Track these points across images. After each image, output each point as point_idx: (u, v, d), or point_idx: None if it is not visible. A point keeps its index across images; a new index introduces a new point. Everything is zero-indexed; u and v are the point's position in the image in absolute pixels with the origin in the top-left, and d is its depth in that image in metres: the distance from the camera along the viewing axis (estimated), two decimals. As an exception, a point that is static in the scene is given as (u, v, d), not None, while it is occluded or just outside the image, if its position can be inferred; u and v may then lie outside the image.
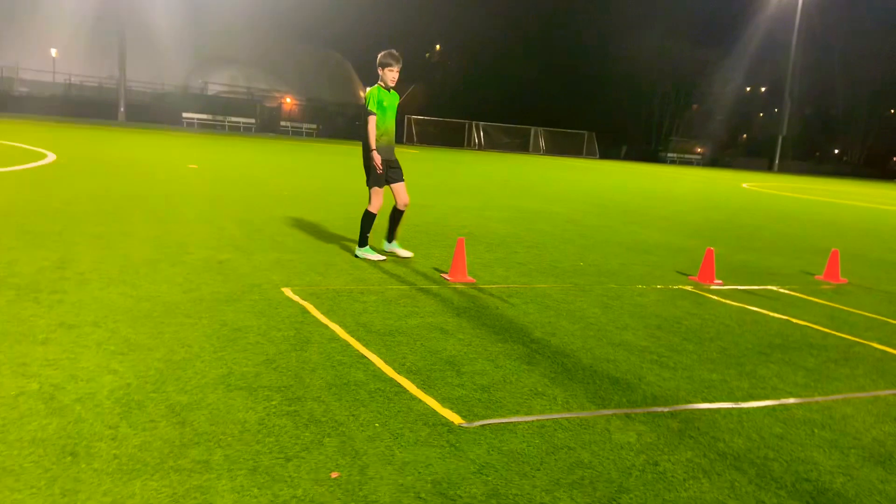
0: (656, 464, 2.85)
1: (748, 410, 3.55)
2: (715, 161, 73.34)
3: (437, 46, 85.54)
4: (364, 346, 4.01)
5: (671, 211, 14.83)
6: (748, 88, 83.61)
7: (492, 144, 62.74)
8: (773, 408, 3.62)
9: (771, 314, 5.76)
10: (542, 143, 65.23)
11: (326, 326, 4.32)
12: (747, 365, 4.33)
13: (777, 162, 69.66)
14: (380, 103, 6.43)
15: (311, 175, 17.32)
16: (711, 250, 7.11)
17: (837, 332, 5.35)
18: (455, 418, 3.11)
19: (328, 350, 3.88)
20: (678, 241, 9.93)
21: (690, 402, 3.60)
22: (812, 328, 5.40)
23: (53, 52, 49.63)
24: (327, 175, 17.83)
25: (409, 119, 60.16)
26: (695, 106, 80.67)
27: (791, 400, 3.76)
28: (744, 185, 31.11)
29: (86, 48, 52.99)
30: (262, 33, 67.25)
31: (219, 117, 51.19)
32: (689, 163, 69.48)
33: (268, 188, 12.79)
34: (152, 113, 49.91)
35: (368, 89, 6.51)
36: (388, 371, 3.63)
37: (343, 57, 77.77)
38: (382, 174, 6.59)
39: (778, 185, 33.19)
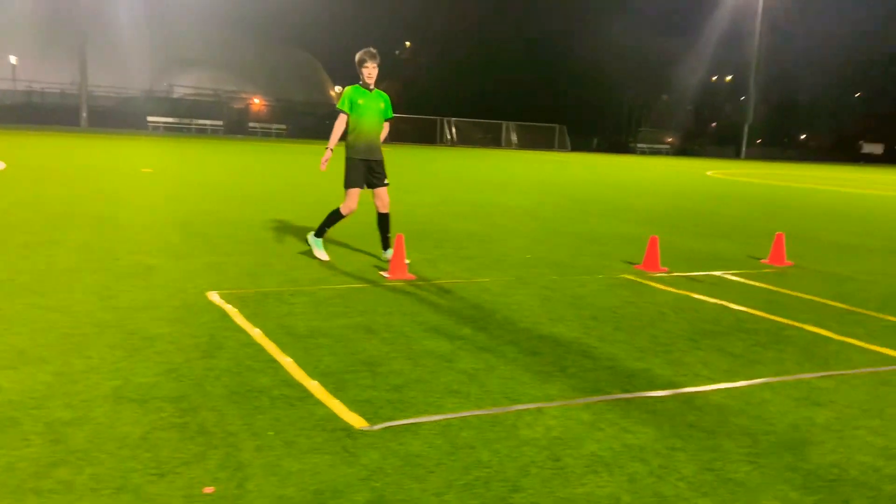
0: (557, 459, 2.78)
1: (664, 399, 3.49)
2: (684, 150, 73.96)
3: (408, 43, 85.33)
4: (280, 349, 3.89)
5: (632, 201, 14.86)
6: (714, 78, 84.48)
7: (464, 140, 62.70)
8: (691, 395, 3.57)
9: (708, 300, 5.74)
10: (513, 137, 65.32)
11: (244, 331, 4.19)
12: (675, 353, 4.28)
13: (744, 149, 70.46)
14: (353, 103, 6.29)
15: (271, 176, 17.11)
16: (655, 238, 7.09)
17: (772, 315, 5.32)
18: (358, 422, 3.00)
19: (239, 356, 3.76)
20: (633, 230, 9.90)
21: (608, 392, 3.54)
22: (747, 313, 5.38)
23: (13, 59, 48.56)
24: (288, 176, 17.62)
25: (379, 116, 59.99)
26: (665, 97, 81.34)
27: (711, 387, 3.70)
28: (708, 172, 31.37)
29: (47, 54, 51.93)
30: (229, 34, 66.45)
31: (185, 120, 50.61)
32: (658, 152, 70.04)
33: (220, 190, 12.59)
34: (116, 118, 49.20)
35: (346, 88, 6.40)
36: (299, 375, 3.52)
37: (312, 56, 77.37)
38: (358, 174, 6.39)
39: (742, 172, 33.53)
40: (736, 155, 70.04)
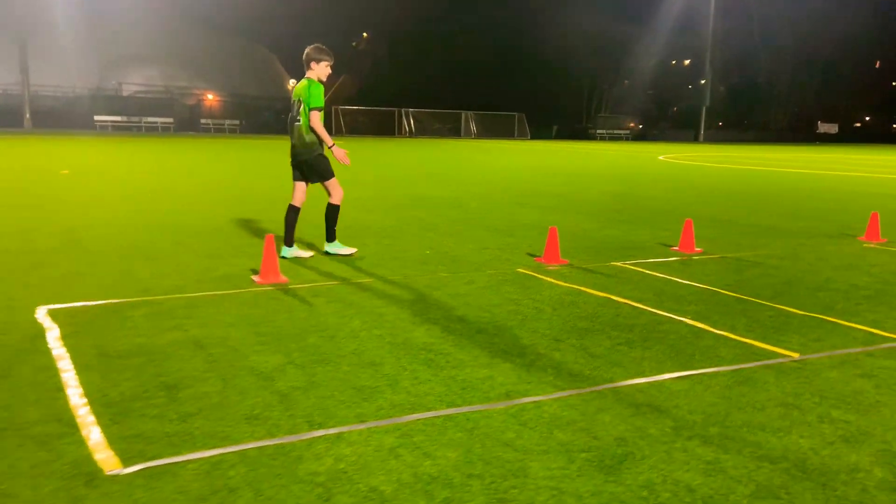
0: (327, 500, 2.42)
1: (490, 414, 3.17)
2: (643, 135, 74.32)
3: (365, 34, 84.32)
4: (77, 374, 3.49)
5: (571, 188, 14.61)
6: (673, 62, 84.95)
7: (423, 131, 62.25)
8: (521, 408, 3.24)
9: (596, 294, 5.44)
10: (473, 127, 65.01)
11: (48, 353, 3.78)
12: (530, 356, 3.96)
13: (702, 132, 71.00)
14: (323, 98, 6.34)
15: (197, 173, 16.51)
16: (554, 230, 6.79)
17: (655, 308, 5.04)
18: (110, 464, 2.61)
19: (23, 384, 3.35)
20: (555, 219, 9.61)
21: (432, 409, 3.20)
22: (630, 306, 5.09)
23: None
24: (218, 173, 17.03)
25: (336, 110, 59.13)
26: (625, 82, 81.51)
27: (549, 396, 3.38)
28: (660, 157, 31.37)
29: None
30: (180, 28, 64.99)
31: (134, 118, 49.34)
32: (618, 138, 70.25)
33: (143, 191, 12.03)
34: (62, 118, 47.82)
35: (310, 85, 6.26)
36: (76, 406, 3.12)
37: (268, 50, 76.04)
38: (330, 169, 6.50)
39: (694, 156, 33.61)
40: (695, 138, 70.59)
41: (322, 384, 3.46)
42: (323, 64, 6.33)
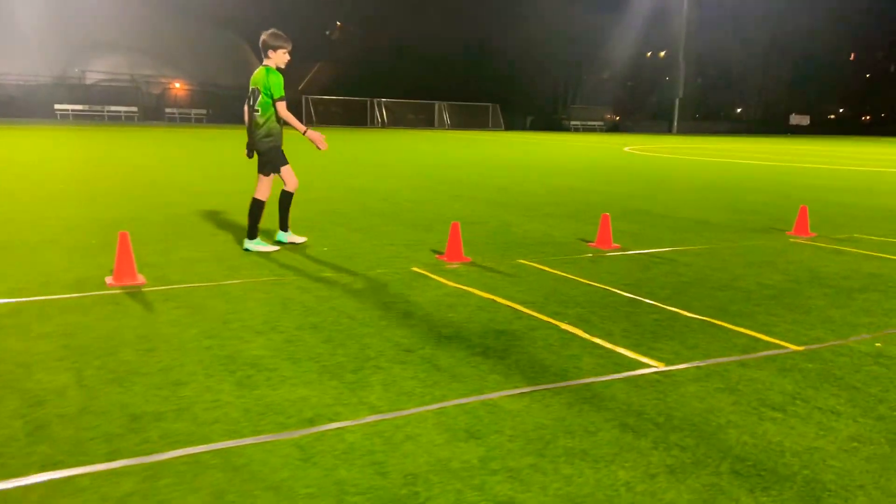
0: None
1: (275, 446, 2.74)
2: (616, 127, 74.34)
3: (339, 24, 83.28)
4: None
5: (514, 180, 14.21)
6: (649, 54, 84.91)
7: (395, 122, 61.69)
8: (318, 437, 2.82)
9: (480, 294, 5.03)
10: (446, 117, 64.52)
11: None
12: (368, 370, 3.53)
13: (675, 124, 71.14)
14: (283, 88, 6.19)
15: (122, 164, 15.87)
16: (457, 225, 6.38)
17: (537, 311, 4.63)
18: None
19: None
20: (482, 212, 9.23)
21: (207, 442, 2.77)
22: (511, 309, 4.68)
23: None
24: (147, 163, 16.40)
25: (307, 99, 58.34)
26: (606, 75, 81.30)
27: (358, 421, 2.97)
28: (626, 148, 31.13)
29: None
30: (147, 14, 63.62)
31: (96, 107, 48.28)
32: (591, 129, 70.17)
33: (36, 182, 11.45)
34: (22, 107, 46.66)
35: (268, 73, 6.11)
36: None
37: (238, 37, 74.80)
38: (280, 160, 6.38)
39: (660, 147, 33.41)
40: (668, 130, 70.68)
41: (97, 411, 3.02)
42: (280, 51, 6.13)
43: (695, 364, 3.77)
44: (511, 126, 66.54)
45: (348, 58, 76.70)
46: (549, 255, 6.64)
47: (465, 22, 69.41)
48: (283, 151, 6.42)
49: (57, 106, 46.80)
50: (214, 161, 17.45)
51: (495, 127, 65.58)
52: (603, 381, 3.49)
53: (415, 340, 4.03)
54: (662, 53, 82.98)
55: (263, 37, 6.16)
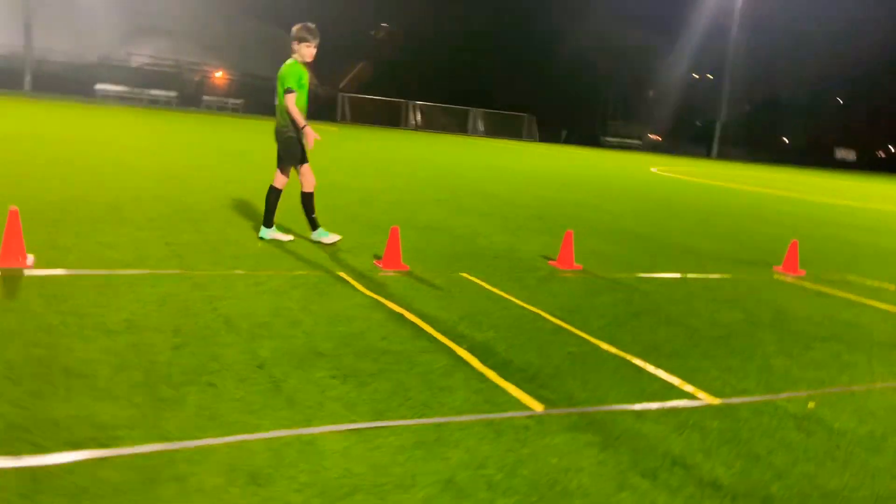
0: None
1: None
2: (655, 147, 73.03)
3: (384, 24, 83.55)
4: None
5: (511, 190, 13.61)
6: (697, 75, 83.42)
7: (429, 125, 61.33)
8: (31, 475, 2.43)
9: (391, 307, 4.57)
10: (479, 124, 64.00)
11: None
12: (182, 392, 3.11)
13: (715, 148, 69.62)
14: (299, 80, 6.11)
15: (129, 149, 15.71)
16: (396, 230, 5.93)
17: (441, 332, 4.14)
18: None
19: None
20: (459, 220, 8.74)
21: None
22: (416, 327, 4.21)
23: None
24: (158, 150, 16.21)
25: (343, 97, 58.41)
26: (651, 92, 79.98)
27: (95, 453, 2.56)
28: (653, 169, 30.31)
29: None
30: (196, 3, 64.52)
31: (136, 90, 48.83)
32: (628, 147, 68.96)
33: (48, 167, 11.29)
34: (66, 83, 47.33)
35: (287, 62, 6.12)
36: None
37: (283, 31, 75.44)
38: (299, 153, 6.30)
39: (690, 171, 32.44)
40: (707, 154, 69.20)
41: None
42: (305, 45, 6.10)
43: (580, 410, 3.26)
44: (545, 138, 65.70)
45: (390, 59, 76.96)
46: (498, 270, 6.15)
47: (507, 31, 69.05)
48: (303, 148, 6.27)
49: (98, 86, 47.39)
50: (218, 149, 17.25)
51: (529, 138, 64.84)
52: (460, 422, 3.01)
53: (279, 355, 3.59)
54: (711, 76, 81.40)
55: (293, 29, 6.13)
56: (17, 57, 48.85)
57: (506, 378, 3.57)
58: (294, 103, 6.08)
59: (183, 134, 21.84)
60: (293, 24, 6.16)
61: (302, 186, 6.44)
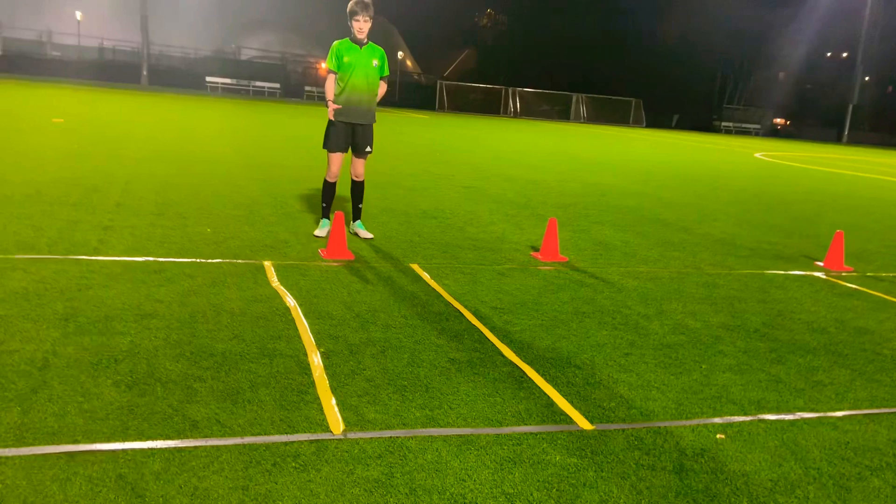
0: None
1: None
2: (777, 131, 68.29)
3: (490, 11, 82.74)
4: None
5: (561, 176, 12.71)
6: (829, 54, 77.08)
7: (528, 112, 60.17)
8: None
9: (285, 301, 4.09)
10: (583, 110, 62.08)
11: None
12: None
13: (846, 133, 64.17)
14: (339, 59, 5.75)
15: (232, 138, 16.03)
16: (340, 216, 5.42)
17: (313, 331, 3.66)
18: None
19: None
20: (466, 207, 8.12)
21: None
22: (297, 323, 3.72)
23: (78, 14, 50.17)
24: (228, 141, 16.47)
25: (441, 85, 58.35)
26: (770, 75, 74.81)
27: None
28: (757, 154, 28.02)
29: (115, 10, 53.54)
30: (306, -3, 66.46)
31: (243, 81, 50.85)
32: (746, 133, 64.83)
33: (119, 148, 11.61)
34: (179, 77, 50.04)
35: (333, 43, 5.83)
36: None
37: (388, 21, 76.30)
38: (341, 138, 5.91)
39: (806, 157, 29.76)
40: (837, 139, 63.88)
41: None
42: (352, 19, 5.71)
43: (405, 434, 2.66)
44: (654, 124, 62.90)
45: (494, 45, 76.17)
46: (461, 261, 5.53)
47: (613, 11, 66.50)
48: (342, 135, 5.87)
49: (208, 78, 49.75)
50: (277, 140, 17.36)
51: (636, 123, 62.28)
52: (218, 447, 2.49)
53: (89, 354, 3.19)
54: (846, 55, 74.97)
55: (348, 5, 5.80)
56: (135, 52, 52.15)
57: (338, 390, 3.01)
58: (331, 83, 5.79)
59: (285, 125, 22.30)
60: (396, 15, 5.86)
61: (352, 175, 6.13)
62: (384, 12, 72.69)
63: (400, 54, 64.42)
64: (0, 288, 3.92)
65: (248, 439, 2.53)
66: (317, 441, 2.56)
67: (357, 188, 6.16)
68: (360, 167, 6.08)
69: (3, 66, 45.44)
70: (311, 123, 22.26)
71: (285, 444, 2.52)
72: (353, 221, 6.27)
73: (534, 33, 69.75)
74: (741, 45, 68.14)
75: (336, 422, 2.71)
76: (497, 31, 78.77)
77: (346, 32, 5.82)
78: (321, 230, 6.06)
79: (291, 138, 16.54)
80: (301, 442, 2.54)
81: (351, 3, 5.70)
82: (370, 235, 6.24)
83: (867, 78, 70.36)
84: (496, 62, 69.58)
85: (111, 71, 48.77)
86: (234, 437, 2.53)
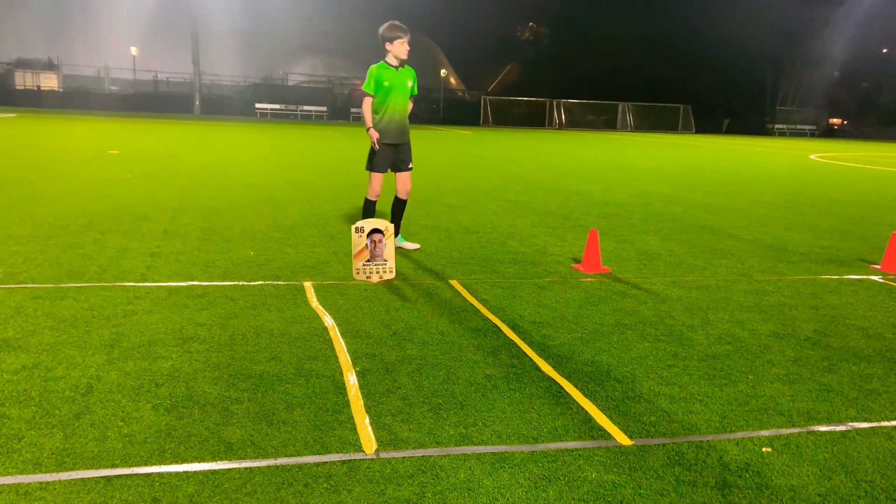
0: None
1: None
2: (833, 132, 66.15)
3: (531, 24, 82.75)
4: None
5: (606, 185, 12.54)
6: (885, 50, 74.45)
7: (574, 123, 59.78)
8: None
9: (323, 322, 4.12)
10: (630, 119, 61.34)
11: None
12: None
13: (907, 130, 61.66)
14: (379, 83, 5.85)
15: (256, 165, 16.39)
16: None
17: (350, 352, 3.67)
18: None
19: None
20: (508, 220, 8.10)
21: None
22: (335, 345, 3.75)
23: (133, 50, 52.16)
24: (270, 165, 16.81)
25: (485, 101, 58.51)
26: (824, 74, 72.62)
27: None
28: (812, 156, 27.19)
29: (168, 45, 55.47)
30: (349, 18, 67.66)
31: (290, 106, 51.94)
32: (800, 134, 63.05)
33: (177, 177, 12.00)
34: (229, 105, 51.42)
35: (374, 68, 5.92)
36: None
37: (431, 40, 77.02)
38: (384, 159, 6.05)
39: (864, 157, 28.73)
40: (900, 137, 61.50)
41: None
42: (398, 42, 5.80)
43: (438, 452, 2.64)
44: (704, 129, 61.70)
45: (536, 58, 76.00)
46: (500, 276, 5.49)
47: (658, 15, 65.68)
48: (386, 156, 6.01)
49: (257, 105, 51.00)
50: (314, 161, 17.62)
51: (685, 130, 61.20)
52: (251, 469, 2.51)
53: (131, 378, 3.27)
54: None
55: (380, 31, 5.87)
56: (188, 83, 53.84)
57: (372, 407, 3.00)
58: (368, 106, 5.87)
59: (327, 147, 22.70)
60: (438, 34, 5.96)
61: (396, 192, 6.25)
62: (428, 32, 73.64)
63: (443, 72, 64.82)
64: (50, 316, 4.06)
65: (281, 460, 2.54)
66: (349, 461, 2.55)
67: (401, 205, 6.29)
68: (408, 184, 6.22)
69: (62, 102, 47.55)
70: (352, 145, 22.58)
71: (317, 464, 2.53)
72: (395, 236, 6.32)
73: (577, 44, 69.43)
74: (791, 45, 66.41)
75: (369, 441, 2.70)
76: (540, 44, 78.63)
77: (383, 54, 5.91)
78: (409, 245, 6.36)
79: (334, 160, 16.78)
80: (333, 462, 2.54)
81: (388, 27, 5.81)
82: (416, 246, 6.40)
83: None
84: (540, 75, 69.40)
85: (165, 102, 50.49)
86: (267, 459, 2.55)
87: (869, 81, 72.10)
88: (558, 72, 67.44)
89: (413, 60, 6.04)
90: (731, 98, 65.90)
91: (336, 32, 68.12)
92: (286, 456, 2.57)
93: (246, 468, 2.49)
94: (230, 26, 57.43)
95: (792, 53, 67.98)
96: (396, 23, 5.86)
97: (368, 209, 6.20)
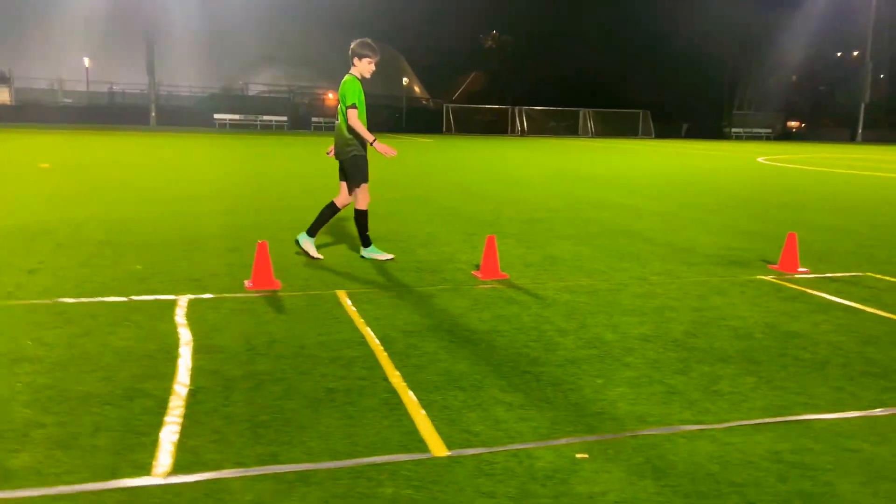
0: None
1: None
2: (788, 134, 67.46)
3: (494, 32, 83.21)
4: None
5: (547, 192, 12.56)
6: (839, 53, 76.23)
7: (537, 130, 60.13)
8: None
9: (180, 334, 3.99)
10: (591, 125, 61.90)
11: None
12: None
13: (860, 132, 63.20)
14: (360, 96, 5.99)
15: (214, 171, 16.11)
16: (264, 244, 5.33)
17: (190, 370, 3.55)
18: None
19: None
20: (423, 227, 8.02)
21: None
22: (173, 357, 3.62)
23: (86, 61, 51.31)
24: (206, 174, 16.55)
25: (447, 108, 58.58)
26: (778, 78, 74.02)
27: None
28: (760, 159, 27.61)
29: (125, 56, 54.67)
30: (308, 29, 67.35)
31: (250, 117, 51.45)
32: (757, 137, 64.14)
33: (101, 191, 11.69)
34: (187, 116, 50.71)
35: (348, 82, 5.93)
36: None
37: (394, 49, 76.98)
38: (366, 170, 6.18)
39: (813, 158, 29.24)
40: (851, 139, 62.94)
41: None
42: (366, 60, 5.97)
43: (236, 474, 2.51)
44: (663, 134, 62.44)
45: (499, 66, 76.39)
46: (394, 284, 5.40)
47: (619, 23, 66.54)
48: (367, 165, 6.16)
49: (216, 115, 50.41)
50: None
51: (645, 135, 61.94)
52: (32, 498, 2.37)
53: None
54: (856, 53, 74.00)
55: (352, 45, 6.00)
56: (144, 95, 53.05)
57: (184, 432, 2.88)
58: (357, 119, 5.89)
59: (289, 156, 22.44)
60: (400, 43, 5.90)
61: (336, 198, 6.29)
62: (391, 41, 73.60)
63: (405, 80, 64.80)
64: None
65: (59, 489, 2.40)
66: (133, 488, 2.42)
67: (366, 216, 6.36)
68: (368, 195, 6.33)
69: (14, 116, 46.48)
70: (304, 157, 22.38)
71: (97, 492, 2.39)
72: (366, 248, 6.43)
73: (539, 52, 69.92)
74: (748, 49, 67.67)
75: (166, 465, 2.58)
76: (503, 53, 79.05)
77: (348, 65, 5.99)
78: (382, 255, 6.35)
79: (284, 170, 16.58)
80: (115, 490, 2.40)
81: (360, 44, 5.95)
82: (391, 256, 6.40)
83: (882, 76, 69.42)
84: (503, 83, 69.75)
85: (121, 114, 49.64)
86: (44, 488, 2.40)
87: (825, 84, 73.77)
88: (521, 79, 67.86)
89: (377, 68, 6.05)
90: (691, 103, 66.84)
91: (297, 42, 67.72)
92: (66, 484, 2.43)
93: (18, 498, 2.35)
94: (188, 36, 56.72)
95: (749, 58, 69.29)
96: (369, 41, 5.99)
97: (366, 219, 6.31)
